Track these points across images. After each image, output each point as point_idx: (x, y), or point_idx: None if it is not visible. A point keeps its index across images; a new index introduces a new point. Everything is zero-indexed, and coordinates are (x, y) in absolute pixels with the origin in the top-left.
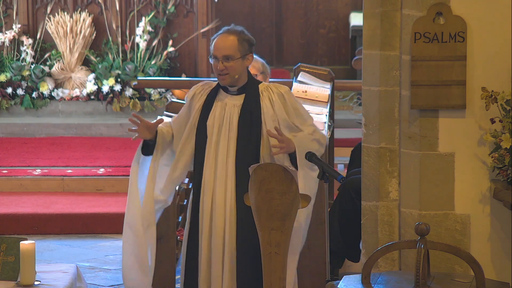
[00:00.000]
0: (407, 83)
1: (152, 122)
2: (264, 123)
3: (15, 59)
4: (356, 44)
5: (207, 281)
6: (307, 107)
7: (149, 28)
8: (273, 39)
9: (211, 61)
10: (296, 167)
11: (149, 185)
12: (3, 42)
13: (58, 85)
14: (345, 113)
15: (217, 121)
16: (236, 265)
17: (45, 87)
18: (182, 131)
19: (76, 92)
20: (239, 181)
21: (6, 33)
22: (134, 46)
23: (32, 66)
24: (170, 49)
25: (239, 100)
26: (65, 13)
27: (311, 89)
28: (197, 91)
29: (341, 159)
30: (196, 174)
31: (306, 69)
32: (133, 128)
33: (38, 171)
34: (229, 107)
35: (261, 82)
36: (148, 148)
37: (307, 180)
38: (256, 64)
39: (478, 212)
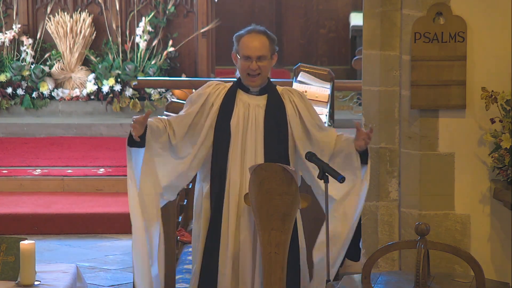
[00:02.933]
0: (407, 83)
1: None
2: (289, 125)
3: (15, 59)
4: (356, 44)
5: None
6: None
7: (149, 28)
8: None
9: (239, 60)
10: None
11: (145, 178)
12: (3, 42)
13: (58, 85)
14: (345, 113)
15: (241, 121)
16: None
17: (45, 87)
18: (194, 130)
19: (76, 92)
20: None
21: (6, 33)
22: (134, 46)
23: (32, 66)
24: (170, 49)
25: (261, 100)
26: (65, 13)
27: (311, 89)
28: (212, 90)
29: None
30: (216, 175)
31: (306, 69)
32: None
33: (38, 171)
34: (252, 107)
35: (276, 85)
36: (134, 141)
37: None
38: None
39: (478, 212)
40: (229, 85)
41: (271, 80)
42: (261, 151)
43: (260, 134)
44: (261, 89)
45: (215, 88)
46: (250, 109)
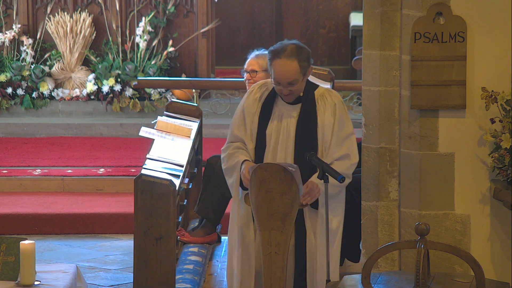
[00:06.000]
0: (407, 83)
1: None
2: (318, 133)
3: (15, 59)
4: (356, 44)
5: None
6: None
7: (149, 28)
8: (273, 39)
9: (273, 83)
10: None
11: None
12: (3, 42)
13: (58, 85)
14: None
15: (275, 130)
16: (294, 268)
17: (45, 87)
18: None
19: (76, 92)
20: None
21: (6, 33)
22: (134, 46)
23: (32, 66)
24: (170, 49)
25: (295, 110)
26: (65, 13)
27: None
28: (256, 96)
29: None
30: None
31: None
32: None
33: (38, 171)
34: (286, 117)
35: (318, 86)
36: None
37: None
38: (260, 61)
39: (478, 212)
40: (271, 87)
41: (311, 81)
42: (291, 161)
43: (291, 144)
44: (296, 98)
45: (258, 91)
46: (283, 119)
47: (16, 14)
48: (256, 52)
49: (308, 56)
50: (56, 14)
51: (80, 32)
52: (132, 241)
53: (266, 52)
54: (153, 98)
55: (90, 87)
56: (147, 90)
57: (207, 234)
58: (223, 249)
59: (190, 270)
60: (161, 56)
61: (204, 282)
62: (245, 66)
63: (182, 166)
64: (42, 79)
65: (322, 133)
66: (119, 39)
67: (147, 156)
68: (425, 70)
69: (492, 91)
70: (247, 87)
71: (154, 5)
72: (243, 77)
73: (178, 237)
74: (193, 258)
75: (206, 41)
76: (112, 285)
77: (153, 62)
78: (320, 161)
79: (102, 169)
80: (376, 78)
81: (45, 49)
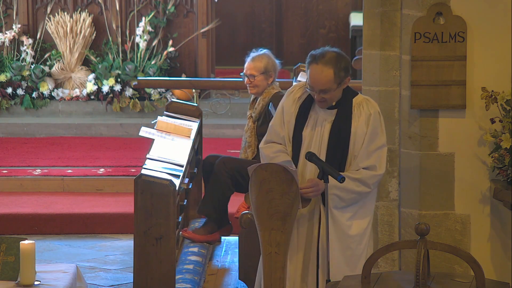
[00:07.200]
0: (407, 83)
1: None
2: (352, 141)
3: (15, 59)
4: (356, 44)
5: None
6: None
7: (149, 28)
8: (273, 39)
9: (308, 88)
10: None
11: None
12: (3, 42)
13: (58, 85)
14: None
15: (309, 134)
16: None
17: (45, 87)
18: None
19: (76, 92)
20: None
21: (6, 33)
22: (134, 46)
23: (32, 66)
24: (170, 49)
25: (331, 115)
26: (65, 13)
27: None
28: (295, 96)
29: None
30: None
31: None
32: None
33: (38, 171)
34: (320, 121)
35: (357, 94)
36: None
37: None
38: (257, 64)
39: (478, 212)
40: (307, 92)
41: (351, 88)
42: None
43: (323, 149)
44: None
45: (298, 92)
46: (318, 123)
47: (16, 14)
48: (252, 55)
49: (347, 66)
50: (56, 14)
51: (80, 32)
52: (132, 241)
53: (264, 52)
54: (153, 98)
55: (90, 87)
56: (147, 90)
57: (209, 233)
58: (223, 249)
59: (190, 270)
60: (161, 56)
61: (204, 282)
62: (244, 70)
63: (182, 166)
64: (42, 79)
65: (354, 141)
66: (119, 39)
67: (147, 156)
68: (425, 70)
69: (492, 91)
70: (249, 91)
71: (154, 5)
72: (243, 80)
73: (181, 232)
74: (193, 258)
75: (206, 41)
76: (112, 285)
77: (153, 62)
78: (320, 161)
79: (102, 169)
80: (376, 78)
81: (45, 49)
